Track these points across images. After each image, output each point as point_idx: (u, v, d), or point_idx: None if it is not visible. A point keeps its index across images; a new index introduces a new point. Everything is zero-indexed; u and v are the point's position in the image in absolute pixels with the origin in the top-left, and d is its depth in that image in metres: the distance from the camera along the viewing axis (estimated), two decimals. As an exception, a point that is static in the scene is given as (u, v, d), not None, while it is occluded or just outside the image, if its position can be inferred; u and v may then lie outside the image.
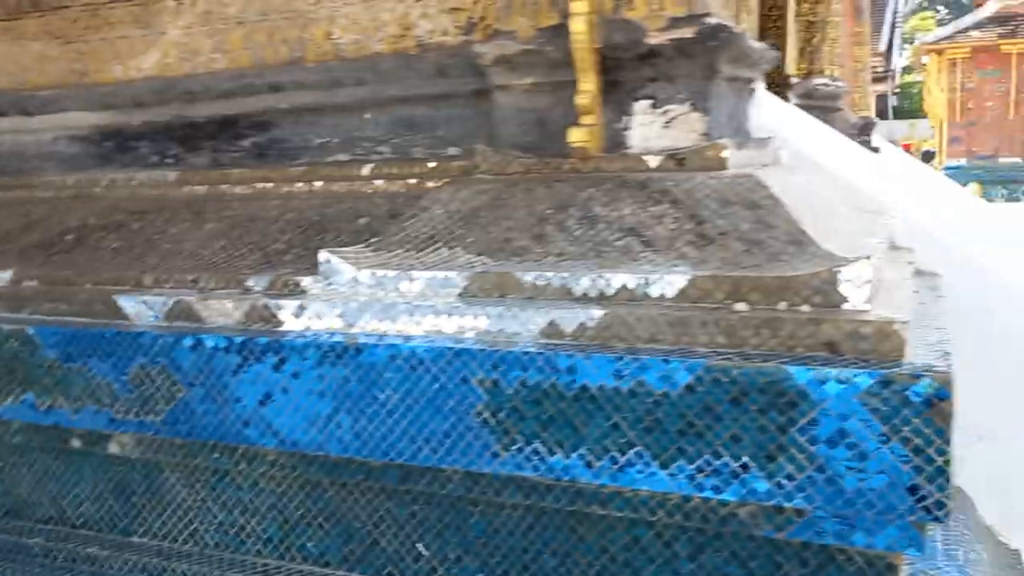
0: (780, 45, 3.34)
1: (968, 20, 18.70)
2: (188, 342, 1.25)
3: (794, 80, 3.45)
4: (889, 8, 31.56)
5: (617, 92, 1.38)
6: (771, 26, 3.34)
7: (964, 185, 16.94)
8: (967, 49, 17.92)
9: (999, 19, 18.00)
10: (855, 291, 0.99)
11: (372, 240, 1.36)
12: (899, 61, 30.61)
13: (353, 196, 1.58)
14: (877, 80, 39.29)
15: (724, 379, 0.95)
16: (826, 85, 3.70)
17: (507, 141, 1.46)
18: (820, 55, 3.72)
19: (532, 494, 1.12)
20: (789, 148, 1.65)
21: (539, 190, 1.35)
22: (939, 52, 18.29)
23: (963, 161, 18.35)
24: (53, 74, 1.93)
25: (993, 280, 1.95)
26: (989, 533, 1.59)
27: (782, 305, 1.02)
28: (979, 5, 19.00)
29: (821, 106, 3.76)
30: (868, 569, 0.98)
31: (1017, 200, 17.02)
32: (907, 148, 21.17)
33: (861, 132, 6.91)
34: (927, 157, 17.30)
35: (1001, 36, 17.61)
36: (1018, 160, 17.91)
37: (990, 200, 17.06)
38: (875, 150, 6.91)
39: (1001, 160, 18.07)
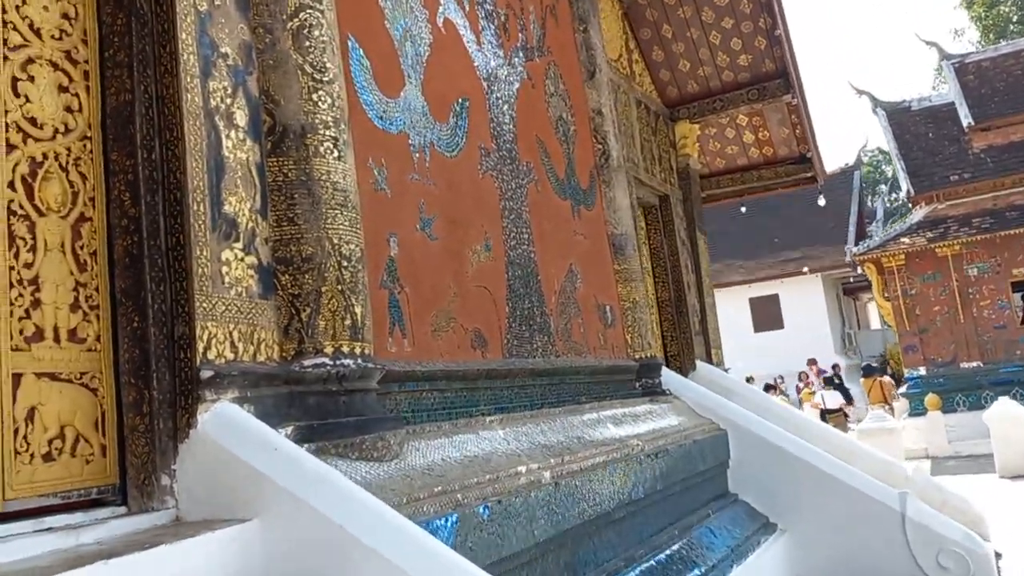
0: (189, 334, 2.54)
1: (898, 227, 18.36)
2: None
3: (257, 366, 2.62)
4: (852, 224, 31.84)
5: None
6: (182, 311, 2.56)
7: (922, 398, 15.67)
8: (901, 256, 17.39)
9: (929, 223, 17.62)
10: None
11: None
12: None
13: None
14: (859, 290, 38.51)
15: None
16: (321, 366, 2.86)
17: None
18: (316, 331, 2.90)
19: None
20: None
21: None
22: (874, 261, 17.75)
23: (922, 370, 17.20)
24: None
25: None
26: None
27: None
28: (915, 206, 18.67)
29: (320, 391, 2.90)
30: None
31: (981, 408, 15.62)
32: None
33: (639, 375, 6.01)
34: (868, 371, 16.11)
35: (932, 240, 17.11)
36: (978, 364, 16.74)
37: (950, 411, 15.71)
38: (660, 394, 5.97)
39: (962, 366, 16.90)
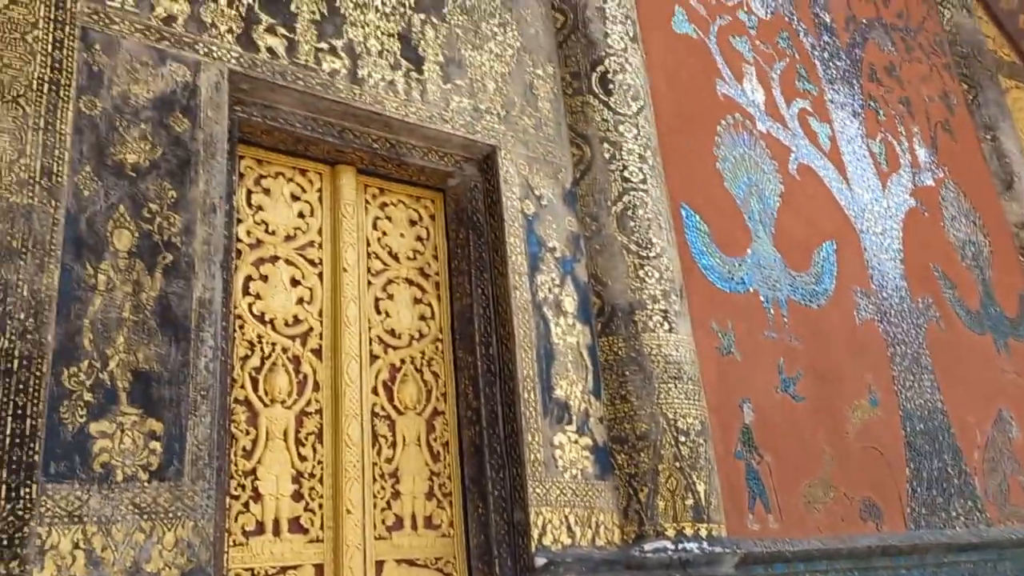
0: (524, 520, 2.68)
1: None
2: None
3: (591, 550, 2.66)
4: None
5: None
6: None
7: None
8: None
9: None
10: None
11: None
12: None
13: None
14: None
15: None
16: (662, 550, 2.77)
17: None
18: (655, 512, 2.84)
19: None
20: None
21: None
22: None
23: None
24: None
25: None
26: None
27: None
28: None
29: (661, 581, 2.78)
30: None
31: None
32: None
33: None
34: None
35: None
36: None
37: None
38: None
39: None
